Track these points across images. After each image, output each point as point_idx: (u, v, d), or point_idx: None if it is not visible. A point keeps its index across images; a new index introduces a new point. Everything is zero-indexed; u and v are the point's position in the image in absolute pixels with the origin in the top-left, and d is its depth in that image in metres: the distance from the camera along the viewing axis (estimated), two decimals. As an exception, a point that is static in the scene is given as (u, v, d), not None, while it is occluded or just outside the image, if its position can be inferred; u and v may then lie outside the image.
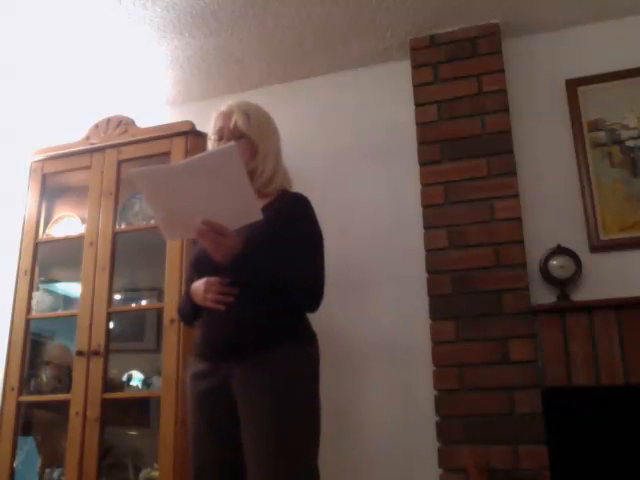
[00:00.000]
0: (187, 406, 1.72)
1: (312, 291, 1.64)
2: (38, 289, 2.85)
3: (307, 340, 1.67)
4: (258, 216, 1.52)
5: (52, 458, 2.69)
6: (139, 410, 2.72)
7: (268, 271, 1.60)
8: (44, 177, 2.91)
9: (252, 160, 1.74)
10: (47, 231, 2.98)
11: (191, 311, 1.74)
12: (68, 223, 2.99)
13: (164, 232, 1.60)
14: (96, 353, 2.53)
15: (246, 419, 1.56)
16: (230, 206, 1.51)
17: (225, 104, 1.80)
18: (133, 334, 2.91)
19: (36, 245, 2.83)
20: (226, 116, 1.76)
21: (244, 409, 1.57)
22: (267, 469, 1.50)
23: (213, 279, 1.62)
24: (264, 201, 1.74)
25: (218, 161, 1.48)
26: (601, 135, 2.50)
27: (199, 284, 1.67)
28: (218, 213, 1.50)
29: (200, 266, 1.70)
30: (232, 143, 1.52)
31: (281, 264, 1.60)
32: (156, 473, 2.40)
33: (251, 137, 1.73)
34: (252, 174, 1.75)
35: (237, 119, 1.74)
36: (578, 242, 2.40)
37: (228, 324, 1.62)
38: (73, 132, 3.03)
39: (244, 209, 1.52)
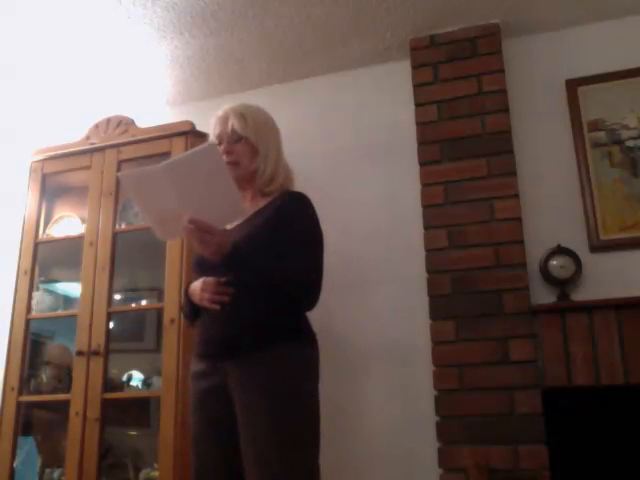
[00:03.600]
0: (189, 405, 1.72)
1: (308, 287, 1.63)
2: (38, 289, 2.85)
3: (306, 340, 1.67)
4: (244, 214, 1.55)
5: (52, 458, 2.69)
6: (139, 410, 2.72)
7: (262, 267, 1.60)
8: (44, 177, 2.91)
9: (253, 161, 1.74)
10: (47, 231, 2.98)
11: (191, 311, 1.74)
12: (68, 223, 2.99)
13: (157, 233, 1.61)
14: (96, 353, 2.53)
15: (244, 420, 1.56)
16: (216, 204, 1.53)
17: (221, 108, 1.79)
18: (133, 334, 2.91)
19: (36, 245, 2.82)
20: (223, 120, 1.77)
21: (242, 410, 1.57)
22: (266, 471, 1.50)
23: (210, 279, 1.63)
24: (266, 200, 1.75)
25: (200, 160, 1.49)
26: (601, 135, 2.50)
27: (197, 284, 1.67)
28: (205, 212, 1.52)
29: (200, 266, 1.70)
30: (213, 141, 1.54)
31: (277, 260, 1.61)
32: (156, 473, 2.40)
33: (250, 138, 1.74)
34: (254, 174, 1.75)
35: (233, 122, 1.74)
36: (578, 242, 2.40)
37: (224, 324, 1.63)
38: (73, 132, 3.03)
39: (230, 207, 1.54)
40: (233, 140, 1.74)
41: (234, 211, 1.56)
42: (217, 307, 1.59)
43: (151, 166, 1.50)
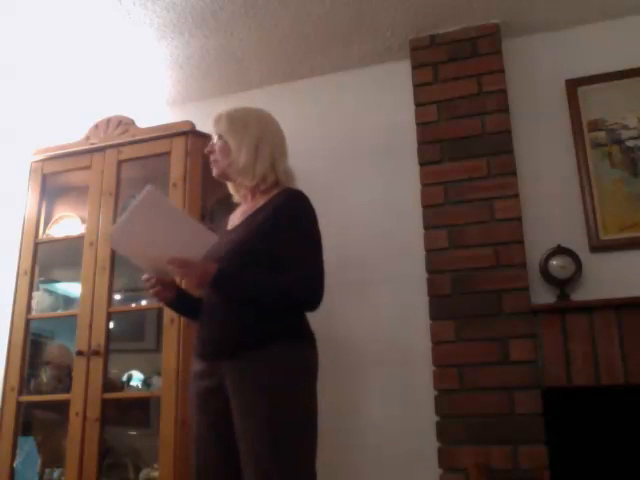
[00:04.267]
0: (190, 405, 1.73)
1: (309, 293, 1.62)
2: (38, 289, 2.85)
3: (304, 340, 1.66)
4: (213, 238, 1.58)
5: (52, 458, 2.68)
6: (139, 410, 2.72)
7: (254, 286, 1.62)
8: (44, 177, 2.91)
9: (227, 156, 1.78)
10: (47, 231, 2.98)
11: (182, 307, 1.83)
12: (68, 223, 2.99)
13: (157, 275, 1.67)
14: (96, 353, 2.52)
15: (240, 420, 1.56)
16: (186, 237, 1.57)
17: None
18: (133, 334, 2.91)
19: (36, 245, 2.82)
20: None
21: (238, 410, 1.57)
22: (262, 471, 1.50)
23: (145, 276, 1.70)
24: (265, 198, 1.74)
25: (145, 207, 1.54)
26: (601, 135, 2.50)
27: None
28: (180, 248, 1.56)
29: None
30: (149, 186, 1.57)
31: (273, 268, 1.61)
32: (156, 473, 2.40)
33: (223, 135, 1.79)
34: (229, 170, 1.78)
35: (212, 125, 1.83)
36: (578, 242, 2.40)
37: (219, 324, 1.64)
38: (73, 132, 3.03)
39: (197, 236, 1.58)
40: (214, 140, 1.82)
41: (204, 238, 1.59)
42: (160, 303, 1.77)
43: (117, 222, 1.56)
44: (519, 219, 2.41)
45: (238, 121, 1.79)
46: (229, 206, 1.93)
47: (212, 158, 1.82)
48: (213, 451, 1.63)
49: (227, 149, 1.78)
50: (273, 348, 1.57)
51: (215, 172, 1.83)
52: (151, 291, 1.69)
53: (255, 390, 1.55)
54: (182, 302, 1.80)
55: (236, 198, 1.88)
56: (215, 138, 1.82)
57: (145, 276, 1.69)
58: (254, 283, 1.62)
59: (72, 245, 2.78)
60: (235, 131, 1.78)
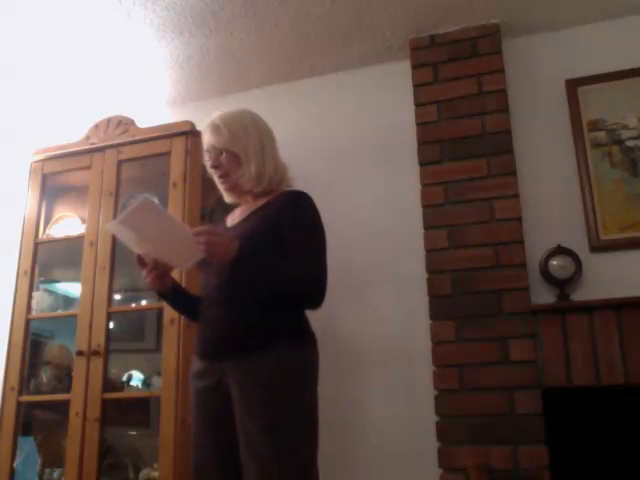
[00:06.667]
0: (190, 404, 1.73)
1: (314, 287, 1.62)
2: (38, 289, 2.85)
3: (305, 340, 1.66)
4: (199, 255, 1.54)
5: (52, 458, 2.68)
6: (139, 410, 2.72)
7: (268, 269, 1.60)
8: (44, 177, 2.91)
9: (239, 169, 1.73)
10: (47, 231, 2.98)
11: (180, 304, 1.83)
12: (68, 223, 2.99)
13: (174, 264, 1.67)
14: (96, 353, 2.52)
15: (241, 417, 1.57)
16: (179, 244, 1.55)
17: (205, 121, 1.78)
18: (133, 334, 2.91)
19: (36, 245, 2.82)
20: (204, 136, 1.77)
21: (239, 407, 1.57)
22: (262, 468, 1.50)
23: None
24: (265, 199, 1.74)
25: (141, 214, 1.52)
26: (601, 135, 2.50)
27: None
28: (173, 250, 1.56)
29: (204, 265, 1.69)
30: (145, 196, 1.55)
31: (281, 261, 1.61)
32: (156, 473, 2.40)
33: (229, 148, 1.72)
34: (240, 181, 1.74)
35: (209, 138, 1.74)
36: (578, 242, 2.40)
37: (220, 324, 1.64)
38: (73, 132, 3.03)
39: (190, 246, 1.54)
40: (216, 154, 1.74)
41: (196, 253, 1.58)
42: (155, 290, 1.72)
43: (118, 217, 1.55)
44: (519, 219, 2.41)
45: (238, 128, 1.73)
46: (228, 206, 1.92)
47: (219, 173, 1.75)
48: (211, 449, 1.63)
49: (237, 160, 1.72)
50: (275, 348, 1.57)
51: (226, 187, 1.77)
52: (148, 278, 1.64)
53: (257, 388, 1.55)
54: (177, 296, 1.79)
55: (232, 200, 1.85)
56: (214, 152, 1.73)
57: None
58: (266, 268, 1.60)
59: (72, 245, 2.78)
60: (239, 139, 1.72)
